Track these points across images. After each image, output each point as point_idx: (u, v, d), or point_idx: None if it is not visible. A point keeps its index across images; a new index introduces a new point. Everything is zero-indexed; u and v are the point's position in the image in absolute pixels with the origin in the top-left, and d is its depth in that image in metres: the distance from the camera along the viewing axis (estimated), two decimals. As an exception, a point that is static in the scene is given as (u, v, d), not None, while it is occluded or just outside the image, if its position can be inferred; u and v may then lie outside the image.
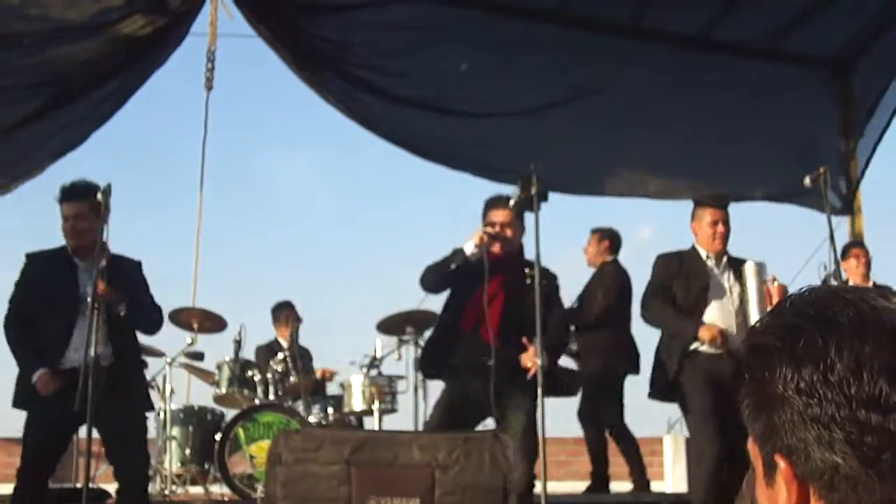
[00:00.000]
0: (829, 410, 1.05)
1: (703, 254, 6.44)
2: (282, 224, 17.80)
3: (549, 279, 6.28)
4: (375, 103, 7.34)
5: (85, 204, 5.64)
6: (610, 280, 8.30)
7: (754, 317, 6.04)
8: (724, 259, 6.43)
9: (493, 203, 6.36)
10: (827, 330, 1.08)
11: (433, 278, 6.32)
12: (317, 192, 19.75)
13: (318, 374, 8.98)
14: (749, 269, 6.22)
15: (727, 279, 6.37)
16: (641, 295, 6.60)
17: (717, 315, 6.27)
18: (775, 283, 6.07)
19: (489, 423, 6.20)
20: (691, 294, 6.34)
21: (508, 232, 6.24)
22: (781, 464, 1.11)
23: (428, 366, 6.59)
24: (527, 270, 6.07)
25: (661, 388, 6.45)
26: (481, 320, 6.09)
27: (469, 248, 6.13)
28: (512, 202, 6.18)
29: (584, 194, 8.33)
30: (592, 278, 8.44)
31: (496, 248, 6.20)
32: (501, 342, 6.03)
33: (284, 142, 18.52)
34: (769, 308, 5.58)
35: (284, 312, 9.27)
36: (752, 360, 1.15)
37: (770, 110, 7.79)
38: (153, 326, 6.18)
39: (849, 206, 8.58)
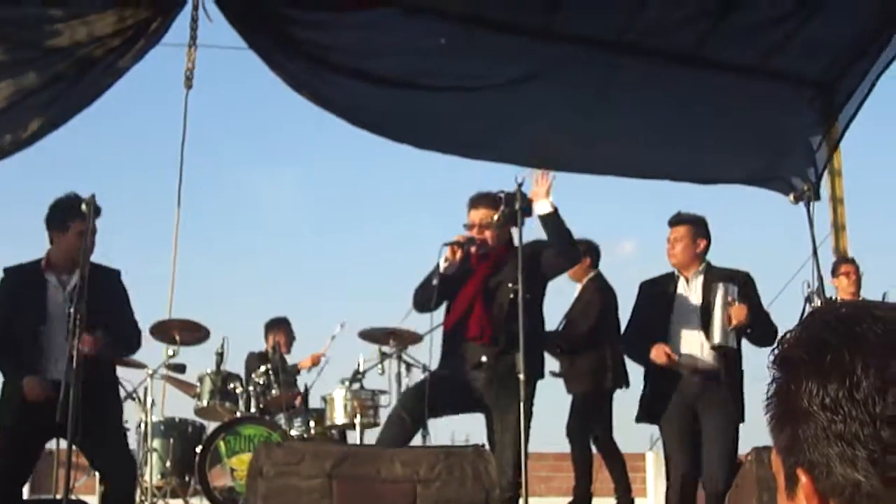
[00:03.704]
0: (853, 428, 1.05)
1: (676, 271, 6.59)
2: (264, 234, 17.73)
3: (535, 246, 6.21)
4: (339, 82, 7.09)
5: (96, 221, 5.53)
6: (592, 300, 8.22)
7: (717, 338, 6.19)
8: (701, 276, 6.50)
9: (472, 202, 6.37)
10: (855, 346, 1.07)
11: (419, 297, 6.34)
12: (298, 206, 19.71)
13: (308, 361, 9.02)
14: (717, 292, 6.29)
15: (698, 297, 6.44)
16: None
17: (681, 337, 6.38)
18: (736, 305, 6.18)
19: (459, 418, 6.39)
20: (654, 318, 6.48)
21: (487, 232, 6.24)
22: (803, 478, 1.11)
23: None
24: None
25: (645, 411, 6.57)
26: (465, 320, 6.13)
27: (442, 265, 6.14)
28: (496, 217, 6.20)
29: (564, 170, 8.09)
30: (577, 298, 8.36)
31: (473, 249, 6.21)
32: (489, 341, 6.06)
33: (264, 153, 18.42)
34: (731, 329, 5.62)
35: (274, 328, 9.28)
36: (779, 372, 1.15)
37: (754, 129, 7.81)
38: (130, 350, 6.26)
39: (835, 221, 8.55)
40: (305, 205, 19.38)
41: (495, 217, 6.21)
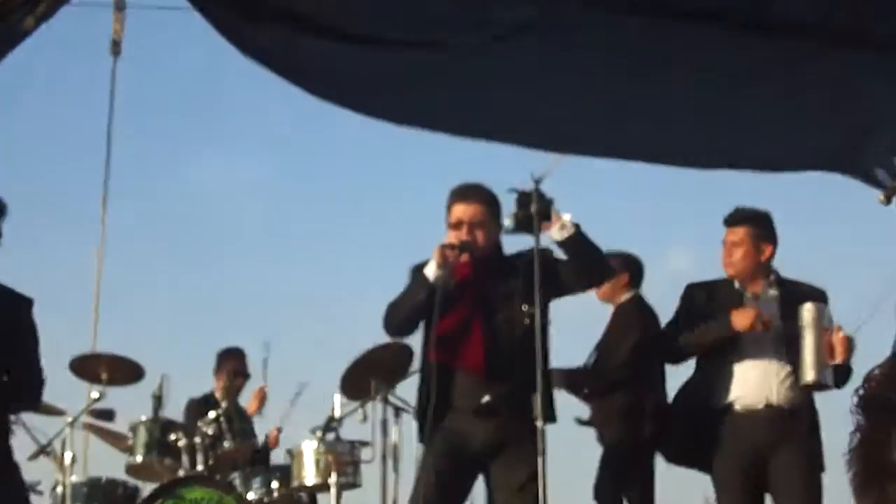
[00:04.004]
0: None
1: (736, 283, 5.82)
2: (214, 242, 16.02)
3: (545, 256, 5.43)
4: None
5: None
6: (629, 323, 6.97)
7: (808, 373, 5.38)
8: (774, 291, 5.77)
9: (459, 195, 5.58)
10: None
11: (399, 317, 5.58)
12: (257, 203, 17.89)
13: (255, 403, 8.26)
14: (807, 314, 5.48)
15: (775, 318, 5.64)
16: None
17: (752, 364, 5.61)
18: (840, 334, 5.39)
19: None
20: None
21: (478, 233, 5.48)
22: None
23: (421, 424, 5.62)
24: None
25: (679, 450, 5.92)
26: (458, 348, 5.37)
27: (432, 273, 5.35)
28: (507, 222, 5.51)
29: (587, 154, 7.03)
30: (610, 325, 7.11)
31: (464, 258, 5.44)
32: (494, 374, 5.29)
33: (217, 136, 16.58)
34: (828, 365, 4.60)
35: (229, 363, 8.26)
36: (864, 418, 1.08)
37: (828, 109, 6.80)
38: (29, 405, 5.66)
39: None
40: (266, 202, 17.61)
41: (506, 222, 5.50)
